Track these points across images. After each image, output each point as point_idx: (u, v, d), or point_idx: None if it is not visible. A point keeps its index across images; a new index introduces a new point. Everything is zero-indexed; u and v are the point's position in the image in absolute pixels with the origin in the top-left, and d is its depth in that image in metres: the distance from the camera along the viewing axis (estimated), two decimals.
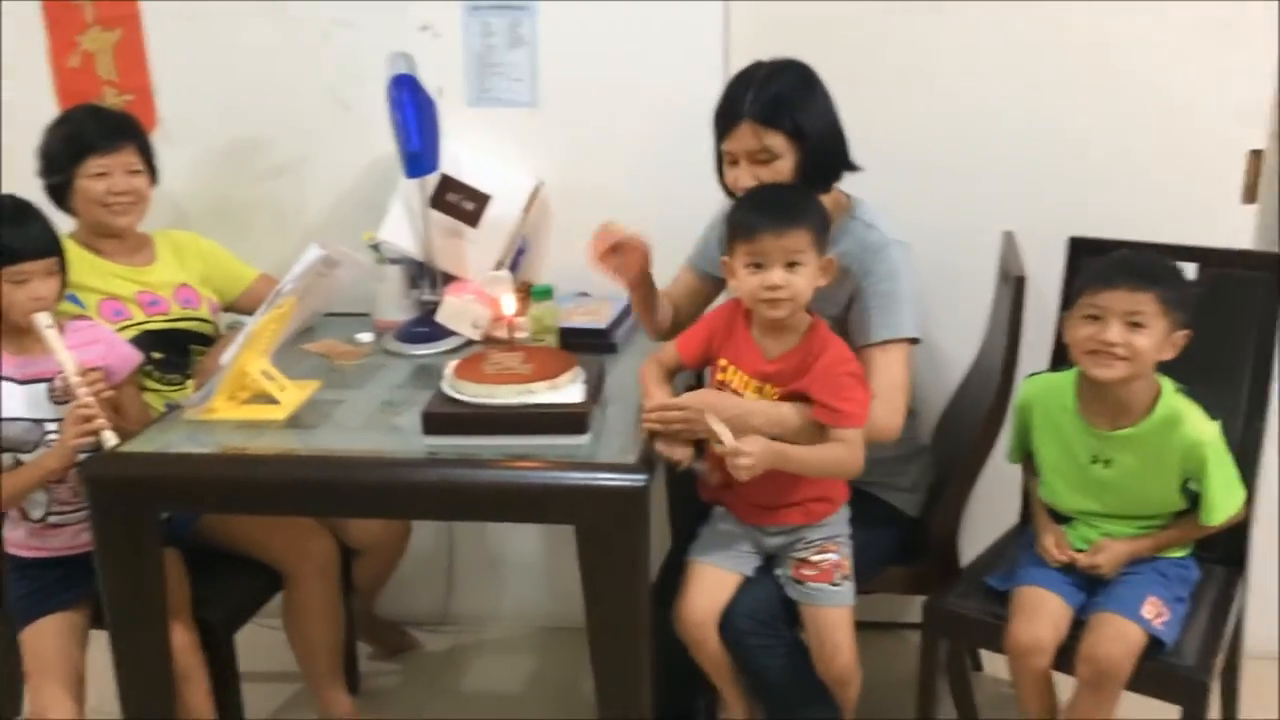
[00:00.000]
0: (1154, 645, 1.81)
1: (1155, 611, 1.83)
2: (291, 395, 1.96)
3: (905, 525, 2.13)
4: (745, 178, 1.93)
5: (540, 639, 2.76)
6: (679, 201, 2.19)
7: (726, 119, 1.94)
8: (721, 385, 1.89)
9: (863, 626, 1.95)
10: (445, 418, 1.79)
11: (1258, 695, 2.35)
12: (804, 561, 1.90)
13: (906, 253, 2.01)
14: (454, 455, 1.76)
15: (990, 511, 2.31)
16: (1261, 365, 2.02)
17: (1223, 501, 1.86)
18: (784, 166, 1.93)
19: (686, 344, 1.95)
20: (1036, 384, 2.01)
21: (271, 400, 1.94)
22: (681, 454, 1.79)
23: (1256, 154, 2.30)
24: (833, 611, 1.89)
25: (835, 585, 1.89)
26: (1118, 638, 1.80)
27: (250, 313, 2.08)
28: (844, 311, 2.00)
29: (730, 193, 2.01)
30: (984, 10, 2.30)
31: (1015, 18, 2.30)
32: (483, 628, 2.80)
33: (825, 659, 1.90)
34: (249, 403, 1.95)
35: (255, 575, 2.18)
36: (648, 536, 1.71)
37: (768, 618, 1.90)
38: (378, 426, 1.93)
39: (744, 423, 1.77)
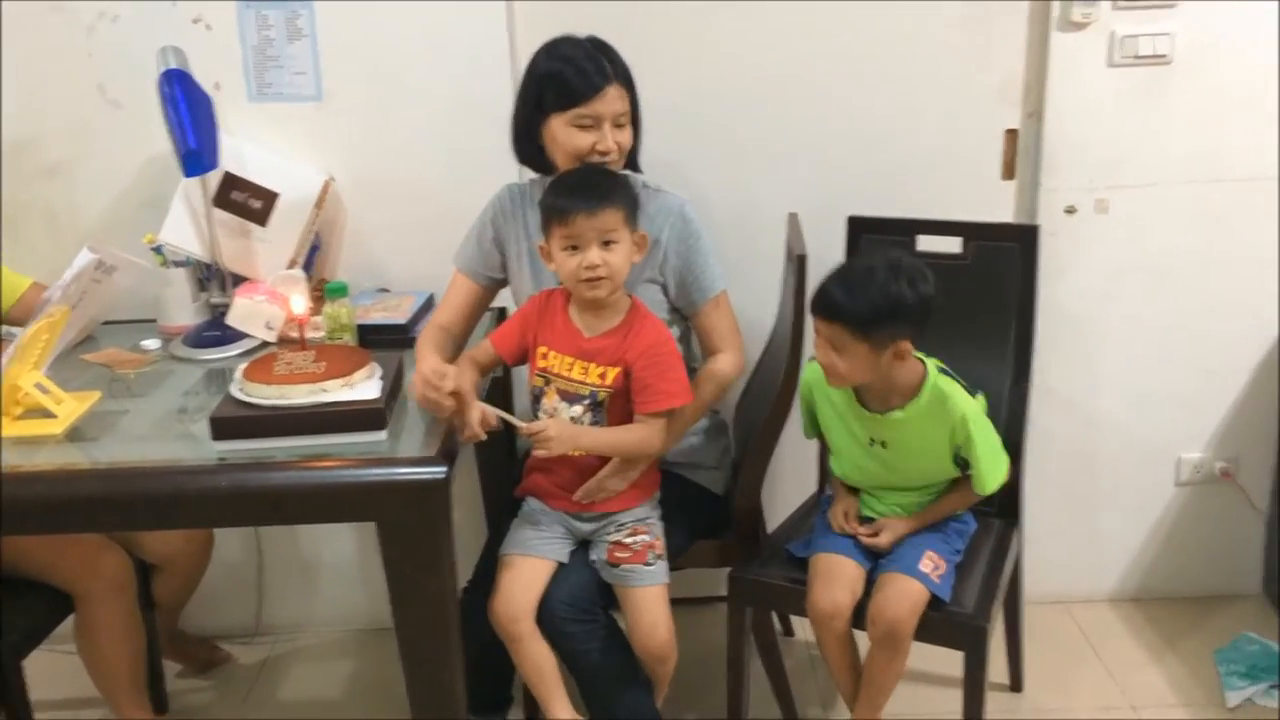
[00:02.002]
0: (935, 598, 1.92)
1: (933, 565, 1.94)
2: (69, 408, 1.87)
3: (712, 502, 2.19)
4: (608, 141, 1.96)
5: (358, 642, 2.72)
6: (471, 191, 2.18)
7: (587, 83, 1.94)
8: (544, 372, 1.92)
9: (676, 603, 1.99)
10: (235, 421, 1.74)
11: (1041, 638, 2.54)
12: (617, 544, 1.93)
13: (696, 209, 2.10)
14: (246, 459, 1.71)
15: (795, 481, 2.41)
16: (1023, 330, 2.16)
17: (990, 472, 1.96)
18: (630, 133, 2.01)
19: (502, 339, 1.98)
20: (816, 370, 2.04)
21: (48, 414, 1.84)
22: (472, 434, 1.78)
23: (1012, 133, 2.44)
24: (648, 590, 1.93)
25: (649, 565, 1.93)
26: (903, 596, 1.90)
27: (24, 324, 1.97)
28: (660, 274, 2.06)
29: (543, 168, 2.04)
30: (769, 13, 2.36)
31: (793, 9, 2.37)
32: (298, 636, 2.74)
33: (643, 637, 1.94)
34: (22, 418, 1.84)
35: (44, 598, 2.07)
36: (450, 529, 1.70)
37: (585, 602, 1.92)
38: (166, 435, 1.87)
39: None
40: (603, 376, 1.87)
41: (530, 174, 2.14)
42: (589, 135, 1.96)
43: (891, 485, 2.05)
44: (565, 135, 1.97)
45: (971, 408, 1.95)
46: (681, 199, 2.10)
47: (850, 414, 2.01)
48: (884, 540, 1.99)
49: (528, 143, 2.05)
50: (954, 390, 1.95)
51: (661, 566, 1.95)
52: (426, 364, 1.82)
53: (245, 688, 2.56)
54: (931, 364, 1.96)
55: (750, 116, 2.44)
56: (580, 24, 2.05)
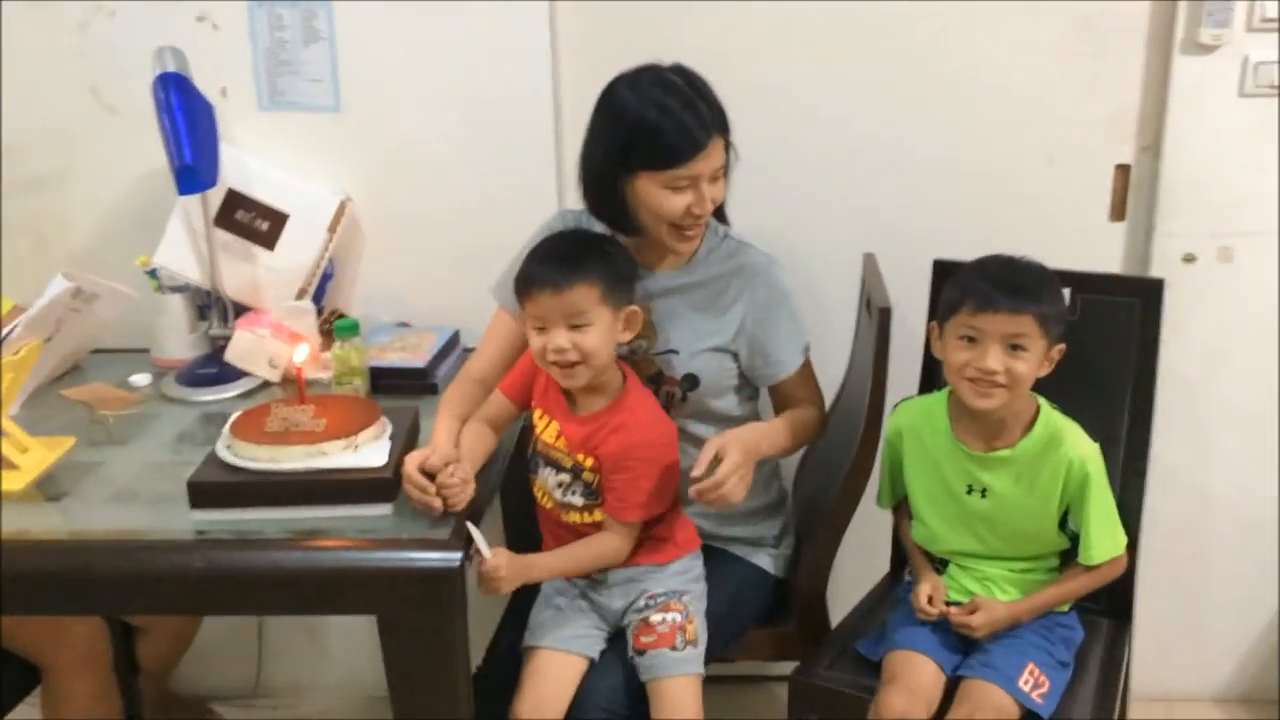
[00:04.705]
0: (1033, 717, 1.65)
1: (1034, 682, 1.66)
2: (36, 457, 1.65)
3: (770, 586, 1.93)
4: (705, 203, 1.70)
5: (367, 709, 2.47)
6: (505, 218, 1.95)
7: (689, 142, 1.65)
8: (536, 439, 1.73)
9: (727, 680, 1.73)
10: (217, 488, 1.51)
11: None
12: (644, 624, 1.69)
13: (784, 270, 1.85)
14: (228, 534, 1.47)
15: (861, 562, 2.12)
16: (1141, 401, 1.88)
17: (1102, 537, 1.72)
18: (724, 184, 1.75)
19: (511, 385, 1.79)
20: (906, 411, 1.86)
21: (10, 465, 1.61)
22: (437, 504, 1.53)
23: (1123, 169, 2.19)
24: (674, 682, 1.67)
25: (676, 650, 1.68)
26: (989, 710, 1.63)
27: None
28: (731, 343, 1.81)
29: (624, 227, 1.75)
30: (840, 21, 2.14)
31: (874, 31, 2.14)
32: (301, 700, 2.52)
33: None
34: None
35: (9, 667, 1.86)
36: (464, 626, 1.46)
37: (623, 708, 1.67)
38: (140, 496, 1.63)
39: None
40: (583, 459, 1.66)
41: None
42: (684, 197, 1.68)
43: (987, 552, 1.78)
44: (658, 198, 1.69)
45: (1092, 450, 1.73)
46: (768, 258, 1.82)
47: (947, 456, 1.77)
48: (979, 621, 1.71)
49: (605, 197, 1.75)
50: (1071, 429, 1.74)
51: (693, 654, 1.69)
52: (412, 460, 1.54)
53: None
54: (1044, 400, 1.76)
55: (821, 145, 2.19)
56: (629, 28, 1.80)
